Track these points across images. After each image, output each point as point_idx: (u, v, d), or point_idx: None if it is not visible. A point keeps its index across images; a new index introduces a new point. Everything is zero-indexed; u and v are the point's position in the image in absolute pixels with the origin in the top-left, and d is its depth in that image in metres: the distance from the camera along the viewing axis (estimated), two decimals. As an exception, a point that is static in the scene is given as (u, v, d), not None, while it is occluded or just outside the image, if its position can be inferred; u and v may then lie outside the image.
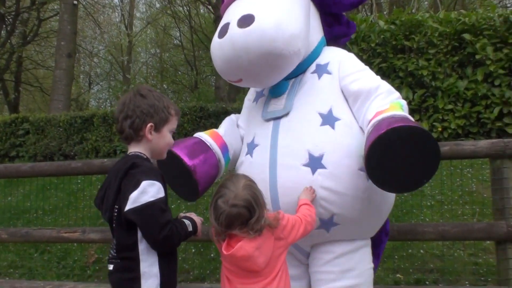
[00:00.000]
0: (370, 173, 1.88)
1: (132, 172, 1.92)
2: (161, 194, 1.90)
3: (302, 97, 2.29)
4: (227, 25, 2.12)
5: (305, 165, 2.11)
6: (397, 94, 2.23)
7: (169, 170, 2.32)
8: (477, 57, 6.33)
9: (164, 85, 29.39)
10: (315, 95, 2.29)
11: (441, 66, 6.52)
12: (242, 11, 2.10)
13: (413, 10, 11.66)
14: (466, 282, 3.85)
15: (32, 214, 6.45)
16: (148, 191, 1.86)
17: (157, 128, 2.04)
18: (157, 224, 1.86)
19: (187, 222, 2.04)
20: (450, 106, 6.40)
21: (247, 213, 1.81)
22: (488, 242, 4.14)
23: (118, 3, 25.76)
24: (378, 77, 2.35)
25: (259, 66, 2.10)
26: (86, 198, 5.98)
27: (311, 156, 2.11)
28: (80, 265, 5.07)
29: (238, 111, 8.73)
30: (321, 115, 2.21)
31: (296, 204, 2.08)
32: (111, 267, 1.99)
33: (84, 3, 15.92)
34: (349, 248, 2.23)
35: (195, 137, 2.50)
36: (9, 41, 18.08)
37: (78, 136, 9.40)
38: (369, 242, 2.35)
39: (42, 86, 22.87)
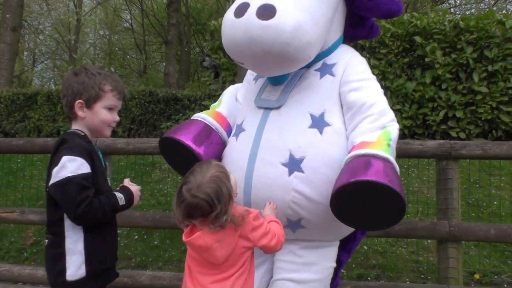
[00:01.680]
0: (335, 211, 1.87)
1: (60, 148, 1.96)
2: (82, 170, 1.90)
3: (298, 93, 2.20)
4: (246, 6, 1.98)
5: (284, 164, 2.05)
6: (389, 116, 2.09)
7: (177, 157, 2.31)
8: (427, 60, 6.49)
9: (112, 68, 28.82)
10: (311, 94, 2.20)
11: (391, 67, 6.65)
12: None
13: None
14: (407, 279, 3.93)
15: (-33, 193, 6.18)
16: (67, 167, 1.88)
17: (88, 105, 2.06)
18: (73, 200, 1.85)
19: (119, 195, 2.05)
20: (398, 107, 6.53)
21: (207, 207, 1.73)
22: (429, 241, 4.24)
23: (68, -21, 25.02)
24: (380, 92, 2.20)
25: (265, 60, 2.02)
26: (26, 178, 5.75)
27: (291, 157, 2.05)
28: (16, 247, 4.88)
29: (188, 98, 8.62)
30: (312, 116, 2.13)
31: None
32: (46, 242, 2.03)
33: (31, -23, 15.39)
34: (316, 243, 2.21)
35: (198, 120, 2.43)
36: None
37: (20, 113, 9.09)
38: (337, 242, 2.33)
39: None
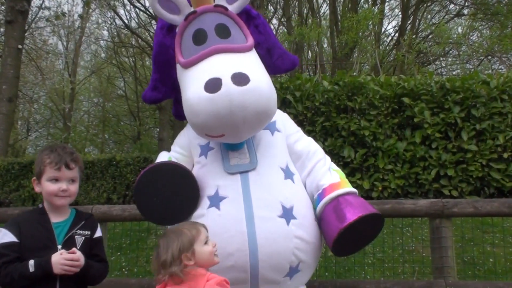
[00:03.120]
0: (337, 252, 2.30)
1: None
2: (5, 239, 2.18)
3: (263, 152, 2.39)
4: (218, 80, 2.09)
5: (280, 216, 2.19)
6: (327, 157, 2.57)
7: (163, 190, 2.27)
8: (416, 120, 6.60)
9: (106, 135, 28.99)
10: (273, 150, 2.42)
11: (381, 127, 6.75)
12: (232, 69, 2.12)
13: (355, 73, 12.12)
14: None
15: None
16: None
17: (39, 181, 2.33)
18: None
19: (30, 262, 2.14)
20: (390, 166, 6.59)
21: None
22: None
23: (62, 50, 25.50)
24: (311, 139, 2.64)
25: (250, 124, 2.15)
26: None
27: (284, 208, 2.21)
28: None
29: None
30: (282, 169, 2.37)
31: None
32: None
33: (27, 48, 15.67)
34: None
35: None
36: None
37: (15, 183, 9.09)
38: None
39: (-23, 131, 22.08)
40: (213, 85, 2.09)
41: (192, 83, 2.20)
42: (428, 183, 6.48)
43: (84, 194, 8.74)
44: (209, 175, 2.39)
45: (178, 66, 2.42)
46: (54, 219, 2.33)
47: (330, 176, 2.40)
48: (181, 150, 2.62)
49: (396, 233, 5.36)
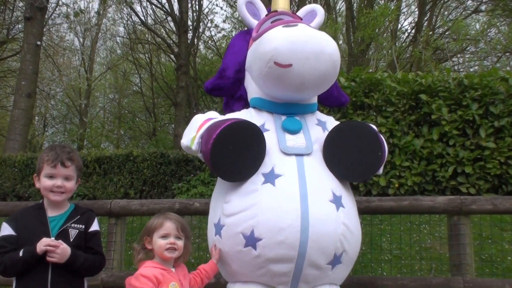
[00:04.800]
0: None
1: None
2: (4, 232, 2.39)
3: (316, 143, 2.49)
4: (296, 24, 2.43)
5: (331, 201, 2.28)
6: None
7: (238, 140, 2.31)
8: (433, 117, 6.58)
9: (121, 131, 29.14)
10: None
11: (398, 124, 6.73)
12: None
13: (371, 70, 12.06)
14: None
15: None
16: None
17: (38, 177, 2.48)
18: None
19: (21, 250, 2.33)
20: (407, 163, 6.57)
21: None
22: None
23: (79, 47, 25.69)
24: None
25: (316, 67, 2.32)
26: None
27: (334, 195, 2.31)
28: None
29: (197, 159, 8.67)
30: None
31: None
32: None
33: (44, 44, 15.80)
34: None
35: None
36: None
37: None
38: None
39: (-5, 126, 22.39)
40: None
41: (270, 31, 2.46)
42: (445, 181, 6.45)
43: (101, 189, 8.83)
44: (266, 154, 2.43)
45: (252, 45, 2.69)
46: (51, 213, 2.49)
47: None
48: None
49: (413, 230, 5.34)
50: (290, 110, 2.56)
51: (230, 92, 2.87)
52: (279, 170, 2.34)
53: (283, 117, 2.53)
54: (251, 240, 2.21)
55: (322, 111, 2.87)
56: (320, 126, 2.60)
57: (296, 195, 2.24)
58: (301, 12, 2.98)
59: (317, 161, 2.43)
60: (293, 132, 2.48)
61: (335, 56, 2.34)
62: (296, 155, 2.40)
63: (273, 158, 2.39)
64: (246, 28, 2.97)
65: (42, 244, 2.28)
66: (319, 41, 2.29)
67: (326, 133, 2.53)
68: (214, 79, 2.85)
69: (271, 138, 2.45)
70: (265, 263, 2.20)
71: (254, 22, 2.80)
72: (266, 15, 2.76)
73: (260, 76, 2.47)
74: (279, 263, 2.18)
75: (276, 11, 2.80)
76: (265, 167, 2.37)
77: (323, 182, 2.35)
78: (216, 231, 2.39)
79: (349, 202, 2.39)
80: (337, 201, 2.30)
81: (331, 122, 2.69)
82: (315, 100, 2.72)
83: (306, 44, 2.25)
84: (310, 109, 2.65)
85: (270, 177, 2.33)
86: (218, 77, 2.84)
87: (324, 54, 2.28)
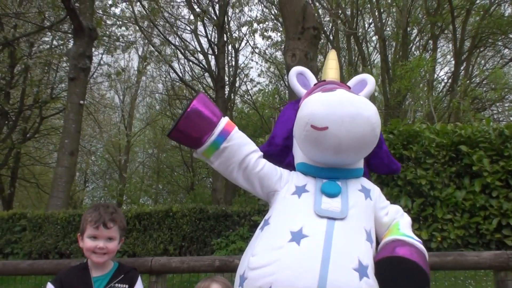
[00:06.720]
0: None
1: None
2: None
3: (354, 209, 2.45)
4: (335, 89, 2.46)
5: (355, 269, 2.20)
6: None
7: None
8: (474, 168, 6.48)
9: (159, 185, 29.47)
10: (362, 212, 2.48)
11: (439, 176, 6.65)
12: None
13: (409, 121, 12.03)
14: None
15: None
16: None
17: (82, 237, 2.50)
18: None
19: None
20: (449, 216, 6.45)
21: None
22: None
23: (119, 104, 26.45)
24: (398, 206, 2.71)
25: (353, 131, 2.30)
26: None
27: (360, 263, 2.23)
28: None
29: (237, 214, 8.70)
30: (366, 231, 2.41)
31: None
32: None
33: (86, 102, 16.33)
34: None
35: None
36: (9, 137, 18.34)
37: (76, 234, 9.27)
38: None
39: (38, 183, 22.91)
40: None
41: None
42: (490, 233, 6.29)
43: (141, 245, 8.88)
44: (299, 213, 2.45)
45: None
46: (95, 273, 2.51)
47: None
48: (276, 168, 2.70)
49: (458, 285, 5.19)
50: (332, 174, 2.57)
51: (279, 159, 2.90)
52: (306, 231, 2.33)
53: (324, 181, 2.55)
54: None
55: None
56: (362, 192, 2.57)
57: (318, 258, 2.21)
58: (351, 82, 3.00)
59: (350, 227, 2.39)
60: (331, 195, 2.47)
61: (373, 119, 2.33)
62: (329, 218, 2.38)
63: (305, 219, 2.39)
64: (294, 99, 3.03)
65: None
66: (356, 103, 2.29)
67: (368, 200, 2.54)
68: (263, 146, 2.89)
69: (308, 199, 2.47)
70: None
71: (303, 92, 2.84)
72: (315, 85, 2.79)
73: (300, 140, 2.51)
74: None
75: (325, 80, 2.82)
76: (294, 225, 2.37)
77: (351, 249, 2.29)
78: (240, 282, 2.38)
79: (373, 274, 2.30)
80: (362, 271, 2.22)
81: (375, 190, 2.67)
82: (360, 165, 2.69)
83: (342, 107, 2.27)
84: (354, 174, 2.63)
85: (297, 236, 2.33)
86: (267, 144, 2.88)
87: (360, 117, 2.29)
